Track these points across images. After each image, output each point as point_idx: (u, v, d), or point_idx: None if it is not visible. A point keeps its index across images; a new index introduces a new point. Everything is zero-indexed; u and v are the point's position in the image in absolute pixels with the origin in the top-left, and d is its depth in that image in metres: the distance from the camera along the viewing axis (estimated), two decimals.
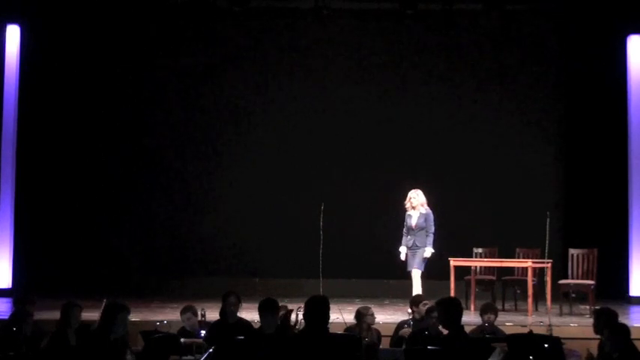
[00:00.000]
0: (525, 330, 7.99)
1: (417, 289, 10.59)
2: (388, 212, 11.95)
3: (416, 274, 10.68)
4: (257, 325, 7.83)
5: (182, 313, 8.08)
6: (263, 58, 13.70)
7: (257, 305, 7.09)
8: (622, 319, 7.17)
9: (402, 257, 10.83)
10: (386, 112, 13.43)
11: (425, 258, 10.67)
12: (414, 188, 10.91)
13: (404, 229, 10.85)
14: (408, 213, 10.85)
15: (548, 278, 10.55)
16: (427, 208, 10.82)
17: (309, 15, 13.26)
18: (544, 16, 13.41)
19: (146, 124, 13.68)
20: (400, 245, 10.85)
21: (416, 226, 10.73)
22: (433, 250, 10.70)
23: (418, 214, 10.76)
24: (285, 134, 13.54)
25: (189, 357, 7.22)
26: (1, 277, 12.50)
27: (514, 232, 12.56)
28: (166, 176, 13.64)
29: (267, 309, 6.98)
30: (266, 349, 6.26)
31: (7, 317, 8.35)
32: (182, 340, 7.60)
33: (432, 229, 10.72)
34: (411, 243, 10.74)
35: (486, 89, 13.48)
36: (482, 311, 8.31)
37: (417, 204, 10.80)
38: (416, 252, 10.69)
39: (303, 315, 5.80)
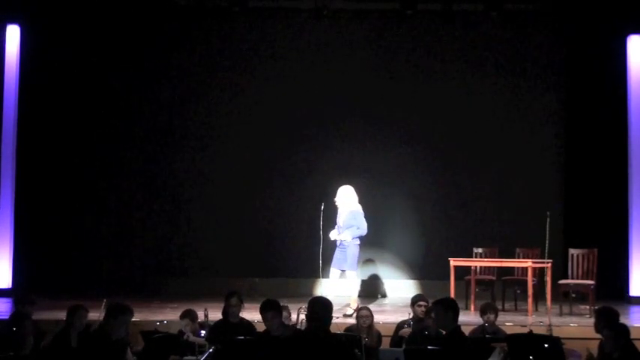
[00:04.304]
0: (525, 330, 8.01)
1: (354, 290, 10.58)
2: (388, 212, 11.96)
3: (350, 276, 10.60)
4: (258, 325, 7.84)
5: (181, 318, 8.08)
6: (263, 59, 13.69)
7: (257, 305, 7.06)
8: (622, 319, 7.16)
9: (331, 236, 10.61)
10: (386, 111, 13.43)
11: (353, 254, 10.53)
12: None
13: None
14: (339, 209, 10.78)
15: (548, 278, 10.54)
16: (357, 205, 10.70)
17: (309, 15, 13.27)
18: (544, 16, 13.41)
19: (146, 123, 13.66)
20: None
21: (343, 223, 10.66)
22: (350, 239, 10.50)
23: (347, 212, 10.67)
24: (285, 134, 13.52)
25: (189, 357, 7.23)
26: (1, 277, 12.49)
27: (514, 232, 12.58)
28: (167, 176, 13.63)
29: (268, 309, 6.87)
30: (267, 349, 6.26)
31: (7, 317, 8.37)
32: (185, 335, 7.63)
33: (364, 225, 10.56)
34: (339, 240, 10.66)
35: (486, 89, 13.47)
36: (482, 311, 8.32)
37: (340, 201, 10.70)
38: (345, 250, 10.58)
39: (306, 315, 5.81)
